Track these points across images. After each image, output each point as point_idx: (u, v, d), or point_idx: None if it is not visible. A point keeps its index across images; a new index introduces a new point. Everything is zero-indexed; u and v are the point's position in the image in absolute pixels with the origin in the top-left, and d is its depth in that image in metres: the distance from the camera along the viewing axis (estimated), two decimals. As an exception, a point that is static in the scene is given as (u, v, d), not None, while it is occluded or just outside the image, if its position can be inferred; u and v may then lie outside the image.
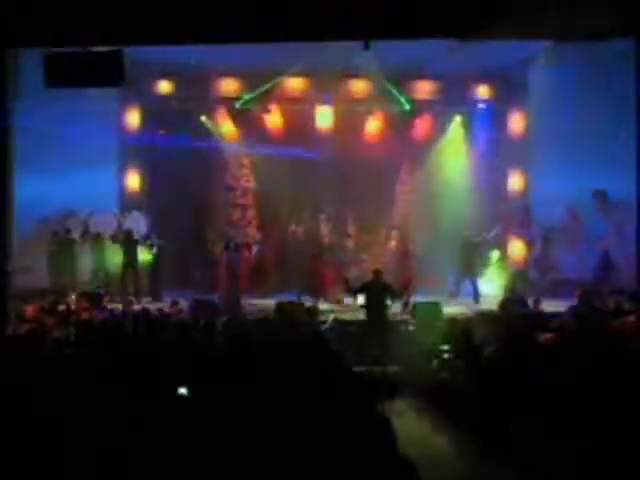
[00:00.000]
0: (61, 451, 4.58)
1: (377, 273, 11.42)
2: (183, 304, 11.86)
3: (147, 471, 4.58)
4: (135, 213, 15.06)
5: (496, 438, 5.88)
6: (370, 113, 15.62)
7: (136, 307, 11.96)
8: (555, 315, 9.86)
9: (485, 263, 14.80)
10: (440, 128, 15.84)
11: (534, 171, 15.00)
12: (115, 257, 14.40)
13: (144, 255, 14.48)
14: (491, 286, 14.34)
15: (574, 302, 10.78)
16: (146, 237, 14.53)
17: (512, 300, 11.94)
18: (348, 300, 13.03)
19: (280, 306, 11.93)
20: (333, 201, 15.66)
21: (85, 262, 14.49)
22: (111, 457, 4.73)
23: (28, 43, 9.58)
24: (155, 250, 14.44)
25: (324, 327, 10.74)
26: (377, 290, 11.19)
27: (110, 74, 9.37)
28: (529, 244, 14.92)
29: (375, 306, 11.11)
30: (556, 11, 8.48)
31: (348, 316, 11.96)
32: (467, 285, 13.99)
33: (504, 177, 15.51)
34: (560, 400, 5.87)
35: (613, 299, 10.62)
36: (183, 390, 5.84)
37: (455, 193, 15.41)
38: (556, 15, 8.58)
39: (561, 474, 5.13)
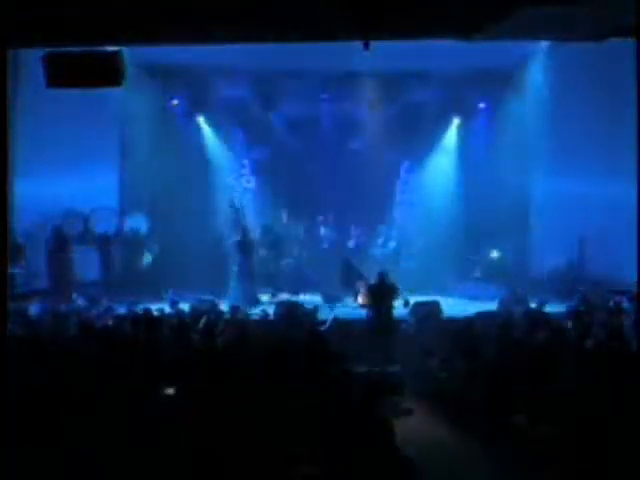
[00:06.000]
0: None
1: (382, 274, 11.39)
2: (184, 304, 11.87)
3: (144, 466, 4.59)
4: (136, 213, 15.07)
5: (496, 436, 5.89)
6: (370, 113, 15.62)
7: (137, 307, 11.95)
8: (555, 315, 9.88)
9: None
10: (440, 128, 15.85)
11: (534, 172, 15.00)
12: (116, 257, 14.41)
13: (145, 255, 14.49)
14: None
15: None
16: (147, 237, 14.54)
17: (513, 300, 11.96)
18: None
19: (281, 306, 11.94)
20: (333, 201, 15.66)
21: (86, 261, 14.49)
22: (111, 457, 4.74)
23: (28, 43, 9.57)
24: (156, 250, 14.45)
25: (324, 327, 10.75)
26: (383, 291, 11.17)
27: (110, 74, 9.37)
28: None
29: (381, 307, 11.07)
30: (556, 11, 8.47)
31: (348, 316, 11.96)
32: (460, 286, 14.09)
33: (503, 178, 15.49)
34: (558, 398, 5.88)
35: (613, 299, 10.64)
36: (170, 390, 5.83)
37: (455, 194, 15.46)
38: (556, 15, 8.57)
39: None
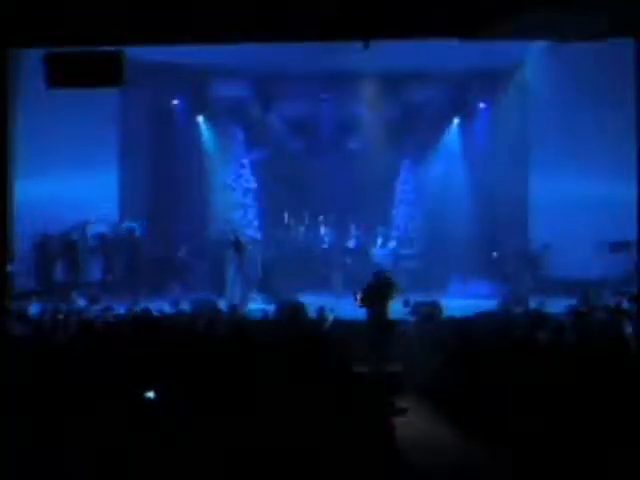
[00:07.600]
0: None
1: (379, 273, 11.37)
2: (184, 304, 11.86)
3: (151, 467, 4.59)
4: (135, 214, 15.07)
5: (496, 434, 5.88)
6: (370, 113, 15.62)
7: (137, 307, 11.94)
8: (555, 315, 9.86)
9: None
10: (440, 128, 15.86)
11: (534, 172, 14.99)
12: (116, 257, 14.41)
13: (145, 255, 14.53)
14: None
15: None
16: (146, 237, 14.56)
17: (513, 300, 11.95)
18: None
19: (281, 306, 11.91)
20: (333, 201, 15.66)
21: (86, 262, 14.49)
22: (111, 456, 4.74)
23: (28, 43, 9.59)
24: (156, 250, 14.48)
25: (324, 327, 10.72)
26: (378, 291, 11.14)
27: (110, 74, 9.38)
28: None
29: (378, 307, 11.05)
30: (556, 11, 8.48)
31: (348, 316, 11.93)
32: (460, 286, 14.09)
33: (503, 178, 15.49)
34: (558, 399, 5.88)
35: (614, 299, 10.64)
36: (150, 394, 5.79)
37: (455, 193, 15.49)
38: (556, 15, 8.58)
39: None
